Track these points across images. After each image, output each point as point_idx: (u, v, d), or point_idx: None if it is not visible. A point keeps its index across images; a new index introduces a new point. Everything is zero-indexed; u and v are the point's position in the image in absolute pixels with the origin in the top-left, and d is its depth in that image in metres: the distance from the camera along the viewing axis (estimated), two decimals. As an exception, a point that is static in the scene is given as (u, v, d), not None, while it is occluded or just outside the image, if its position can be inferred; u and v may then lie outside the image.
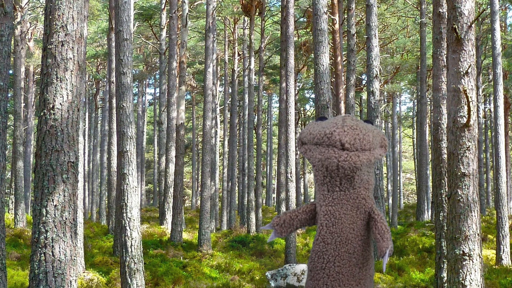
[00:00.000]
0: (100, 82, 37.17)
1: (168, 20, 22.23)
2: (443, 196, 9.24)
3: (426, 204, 25.59)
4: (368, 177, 2.21)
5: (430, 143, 25.38)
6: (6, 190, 23.72)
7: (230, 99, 29.66)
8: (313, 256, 2.21)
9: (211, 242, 17.79)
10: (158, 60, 26.72)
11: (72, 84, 5.84)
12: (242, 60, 28.91)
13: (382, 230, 2.19)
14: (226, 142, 32.67)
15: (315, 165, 2.18)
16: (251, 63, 24.65)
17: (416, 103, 35.80)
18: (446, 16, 7.41)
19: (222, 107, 34.50)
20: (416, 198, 35.52)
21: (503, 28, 30.37)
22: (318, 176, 2.21)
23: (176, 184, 18.48)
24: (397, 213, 30.27)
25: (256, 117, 27.64)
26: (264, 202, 41.36)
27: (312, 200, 2.37)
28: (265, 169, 45.35)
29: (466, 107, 6.78)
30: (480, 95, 27.84)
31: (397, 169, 37.09)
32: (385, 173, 39.93)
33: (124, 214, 9.42)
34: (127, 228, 9.36)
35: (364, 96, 31.56)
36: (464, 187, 6.77)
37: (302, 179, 39.02)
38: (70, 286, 5.60)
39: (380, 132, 2.22)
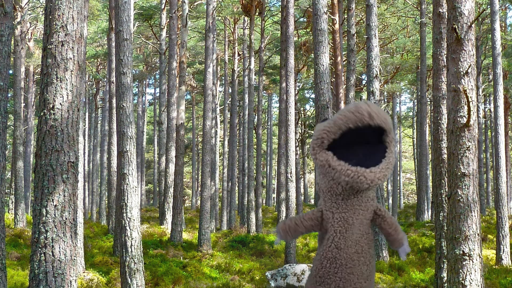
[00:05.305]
0: (100, 82, 37.17)
1: (168, 20, 22.23)
2: (443, 196, 9.24)
3: (426, 204, 25.58)
4: None
5: (430, 143, 25.38)
6: (6, 190, 23.71)
7: (230, 99, 29.65)
8: (325, 263, 2.23)
9: (211, 242, 17.78)
10: (158, 60, 26.72)
11: (72, 84, 5.84)
12: (242, 60, 28.90)
13: (393, 223, 2.32)
14: (226, 142, 32.65)
15: (339, 182, 2.17)
16: (251, 63, 24.64)
17: (416, 103, 35.80)
18: (446, 16, 7.41)
19: (222, 107, 34.49)
20: (416, 198, 35.51)
21: (503, 28, 30.37)
22: (335, 188, 2.21)
23: (176, 184, 18.48)
24: (397, 213, 30.29)
25: (256, 117, 27.64)
26: (264, 202, 41.34)
27: (315, 208, 2.36)
28: (265, 169, 45.33)
29: (466, 107, 6.78)
30: (480, 95, 27.83)
31: (397, 169, 37.08)
32: (385, 173, 39.86)
33: (124, 214, 9.42)
34: (127, 228, 9.36)
35: (364, 96, 31.51)
36: (464, 187, 6.77)
37: (302, 179, 39.03)
38: (70, 286, 5.60)
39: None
